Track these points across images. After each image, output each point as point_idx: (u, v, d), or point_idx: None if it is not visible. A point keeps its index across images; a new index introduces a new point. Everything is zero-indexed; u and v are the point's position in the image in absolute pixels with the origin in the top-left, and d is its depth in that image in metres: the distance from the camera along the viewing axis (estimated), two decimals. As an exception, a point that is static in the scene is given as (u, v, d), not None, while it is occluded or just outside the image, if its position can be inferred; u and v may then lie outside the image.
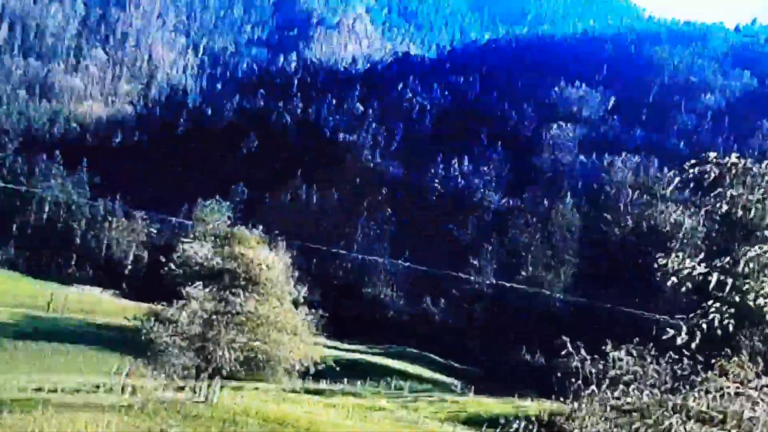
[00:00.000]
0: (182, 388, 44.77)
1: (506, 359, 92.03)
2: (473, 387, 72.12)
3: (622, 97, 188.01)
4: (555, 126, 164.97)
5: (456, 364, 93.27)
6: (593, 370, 10.85)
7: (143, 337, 44.15)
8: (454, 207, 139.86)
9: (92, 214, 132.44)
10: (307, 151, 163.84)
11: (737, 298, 10.85)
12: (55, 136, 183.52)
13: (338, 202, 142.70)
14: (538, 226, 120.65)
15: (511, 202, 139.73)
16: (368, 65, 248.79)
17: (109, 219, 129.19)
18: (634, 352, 11.12)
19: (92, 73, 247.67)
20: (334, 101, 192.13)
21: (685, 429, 9.69)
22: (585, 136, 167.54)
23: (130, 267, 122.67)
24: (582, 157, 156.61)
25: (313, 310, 52.58)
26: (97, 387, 45.51)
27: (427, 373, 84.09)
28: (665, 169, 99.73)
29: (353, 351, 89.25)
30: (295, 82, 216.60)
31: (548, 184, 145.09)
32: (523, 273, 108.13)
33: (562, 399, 12.98)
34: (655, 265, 11.19)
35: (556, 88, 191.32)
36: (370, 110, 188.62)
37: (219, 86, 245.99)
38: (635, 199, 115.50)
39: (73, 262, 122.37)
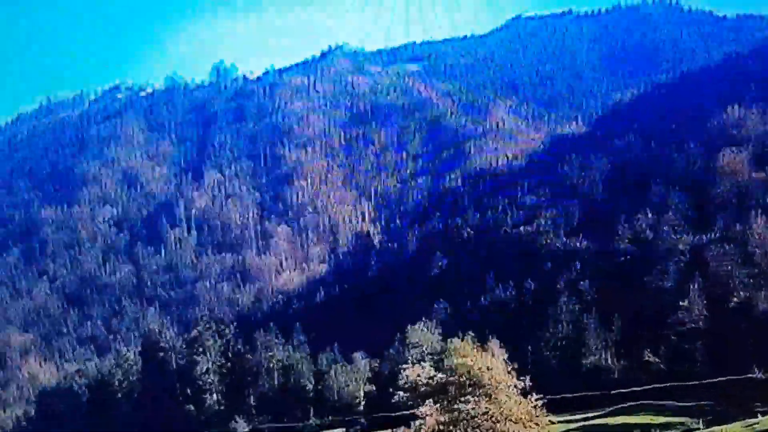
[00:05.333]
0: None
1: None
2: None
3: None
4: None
5: (678, 403, 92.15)
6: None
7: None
8: (645, 259, 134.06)
9: (317, 369, 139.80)
10: (495, 253, 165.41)
11: None
12: (264, 312, 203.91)
13: (534, 291, 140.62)
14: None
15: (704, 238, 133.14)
16: (528, 158, 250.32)
17: (333, 367, 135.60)
18: None
19: (281, 247, 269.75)
20: (506, 200, 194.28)
21: None
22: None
23: (363, 404, 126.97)
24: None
25: (541, 395, 53.82)
26: None
27: (661, 419, 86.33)
28: None
29: (583, 419, 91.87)
30: (465, 195, 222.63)
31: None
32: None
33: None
34: None
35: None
36: (543, 198, 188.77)
37: (397, 221, 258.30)
38: None
39: (311, 414, 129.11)
